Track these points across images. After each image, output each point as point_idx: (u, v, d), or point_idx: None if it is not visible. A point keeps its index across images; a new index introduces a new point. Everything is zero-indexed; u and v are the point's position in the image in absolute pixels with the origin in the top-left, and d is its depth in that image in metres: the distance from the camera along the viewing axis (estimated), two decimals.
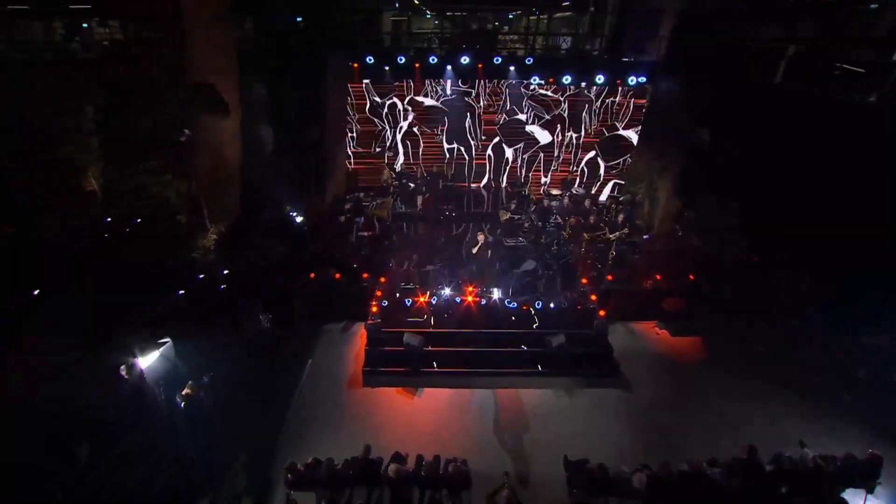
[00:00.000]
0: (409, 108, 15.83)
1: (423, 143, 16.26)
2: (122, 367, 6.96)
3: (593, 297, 10.71)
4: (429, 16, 23.80)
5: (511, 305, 10.56)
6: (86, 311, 7.98)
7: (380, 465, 6.59)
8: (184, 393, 6.97)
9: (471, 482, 6.67)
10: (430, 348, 9.85)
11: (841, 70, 10.93)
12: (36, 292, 9.35)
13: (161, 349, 6.85)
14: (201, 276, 11.19)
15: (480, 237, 10.78)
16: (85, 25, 15.02)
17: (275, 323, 9.76)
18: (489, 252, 10.60)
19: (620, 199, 15.00)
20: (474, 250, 10.73)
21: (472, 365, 9.66)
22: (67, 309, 8.20)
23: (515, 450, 7.94)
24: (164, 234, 10.94)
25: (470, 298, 10.20)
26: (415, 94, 15.72)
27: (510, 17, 25.82)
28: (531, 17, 23.84)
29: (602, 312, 10.20)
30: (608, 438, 8.22)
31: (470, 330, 10.11)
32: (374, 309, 10.30)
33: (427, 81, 15.55)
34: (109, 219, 11.84)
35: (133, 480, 6.26)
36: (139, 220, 11.82)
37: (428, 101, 15.82)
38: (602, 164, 16.13)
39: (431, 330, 10.15)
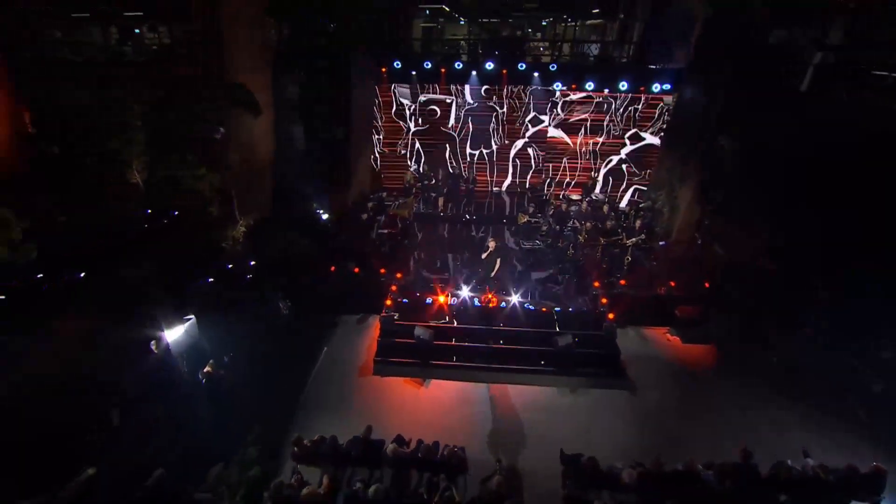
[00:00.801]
0: (435, 111, 16.24)
1: (447, 146, 16.64)
2: (153, 342, 7.61)
3: (604, 300, 10.82)
4: (463, 22, 24.33)
5: (530, 308, 10.77)
6: (123, 291, 8.70)
7: (380, 446, 6.95)
8: (205, 370, 7.54)
9: (467, 467, 6.96)
10: (451, 342, 10.25)
11: (873, 76, 10.73)
12: (82, 274, 10.28)
13: (185, 325, 7.46)
14: (230, 265, 11.89)
15: (491, 243, 11.07)
16: (137, 31, 16.20)
17: (294, 310, 10.29)
18: (499, 259, 10.86)
19: (641, 205, 14.97)
20: (484, 256, 11.01)
21: (478, 360, 9.91)
22: (108, 289, 8.96)
23: (515, 442, 8.15)
24: (196, 225, 11.69)
25: (490, 301, 10.44)
26: (440, 98, 16.12)
27: (543, 24, 26.10)
28: (563, 25, 24.08)
29: (611, 315, 10.30)
30: (609, 437, 8.32)
31: (485, 327, 10.38)
32: (389, 302, 10.74)
33: (452, 87, 15.92)
34: (149, 210, 12.77)
35: (154, 446, 6.84)
36: (176, 213, 12.72)
37: (452, 105, 16.20)
38: (624, 171, 16.13)
39: (444, 325, 10.47)
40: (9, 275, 9.55)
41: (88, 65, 13.66)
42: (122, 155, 12.00)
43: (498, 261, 10.78)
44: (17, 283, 9.10)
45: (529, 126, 16.20)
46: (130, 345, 7.48)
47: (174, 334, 7.33)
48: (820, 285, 10.89)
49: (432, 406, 8.94)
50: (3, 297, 9.45)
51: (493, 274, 10.86)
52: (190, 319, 7.64)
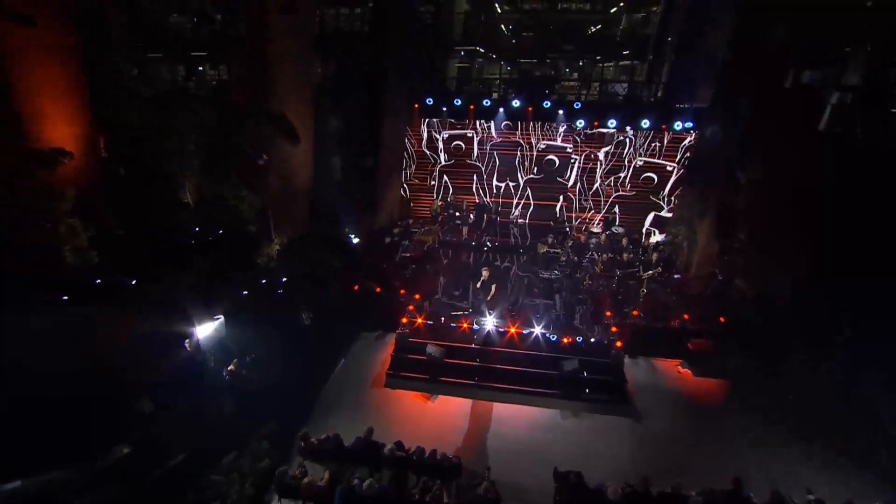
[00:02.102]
0: (461, 146, 17.13)
1: (474, 177, 17.42)
2: (186, 340, 8.48)
3: (614, 329, 11.00)
4: (502, 63, 25.57)
5: (553, 339, 10.97)
6: (166, 294, 9.71)
7: (380, 448, 7.41)
8: (229, 368, 8.32)
9: (461, 474, 7.31)
10: (460, 360, 10.64)
11: (891, 114, 10.79)
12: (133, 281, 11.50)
13: (215, 323, 8.30)
14: (263, 280, 12.87)
15: (485, 272, 11.64)
16: (200, 68, 18.15)
17: (316, 322, 11.04)
18: (493, 286, 11.37)
19: (661, 240, 15.10)
20: (478, 284, 11.54)
21: (485, 379, 10.25)
22: (154, 292, 10.02)
23: (512, 457, 8.41)
24: (236, 241, 12.80)
25: (513, 329, 10.90)
26: (468, 133, 17.02)
27: (581, 63, 27.00)
28: (595, 66, 24.90)
29: (619, 343, 10.48)
30: (607, 461, 8.45)
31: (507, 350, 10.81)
32: (405, 320, 11.33)
33: (479, 122, 16.78)
34: (197, 228, 14.08)
35: (179, 433, 7.57)
36: (220, 231, 13.96)
37: (474, 140, 17.05)
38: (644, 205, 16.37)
39: (451, 343, 10.91)
40: (74, 276, 10.87)
41: (157, 97, 15.44)
42: (177, 176, 13.43)
43: (493, 287, 11.26)
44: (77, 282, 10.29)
45: (555, 160, 16.77)
46: (166, 340, 8.36)
47: (204, 331, 8.19)
48: (845, 323, 10.73)
49: (436, 419, 9.35)
50: (66, 296, 10.76)
51: (489, 298, 11.36)
52: (219, 319, 8.51)
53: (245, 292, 11.76)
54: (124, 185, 13.72)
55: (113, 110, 12.78)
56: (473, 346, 10.85)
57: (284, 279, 12.95)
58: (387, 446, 7.42)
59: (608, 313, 11.63)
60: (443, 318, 11.44)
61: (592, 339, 11.05)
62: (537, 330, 10.89)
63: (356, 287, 12.91)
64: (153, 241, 12.98)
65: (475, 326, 11.12)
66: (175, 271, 10.67)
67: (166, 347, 8.31)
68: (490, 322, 11.00)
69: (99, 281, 11.32)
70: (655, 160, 15.99)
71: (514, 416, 9.53)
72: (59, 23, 11.37)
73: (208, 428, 7.70)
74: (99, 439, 6.92)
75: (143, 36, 18.14)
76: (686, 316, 11.77)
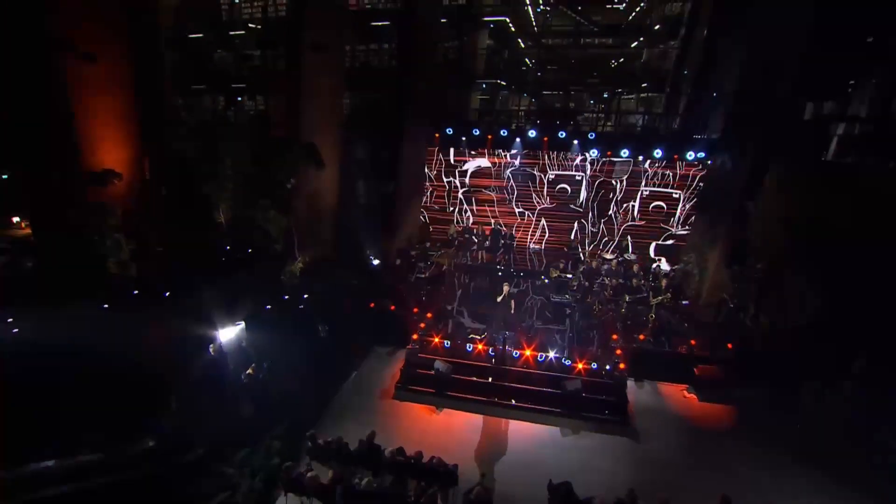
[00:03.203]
0: (479, 173, 17.84)
1: (489, 204, 18.05)
2: (211, 345, 9.25)
3: (618, 352, 11.23)
4: (525, 95, 26.58)
5: (567, 363, 11.17)
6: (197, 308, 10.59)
7: (381, 451, 7.87)
8: (248, 372, 9.01)
9: (457, 481, 7.67)
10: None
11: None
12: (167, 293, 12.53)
13: (237, 329, 9.06)
14: (286, 297, 13.68)
15: (506, 287, 12.02)
16: (239, 99, 19.68)
17: (331, 335, 11.69)
18: (513, 302, 11.76)
19: (673, 267, 15.26)
20: (498, 299, 11.95)
21: (488, 394, 10.62)
22: (188, 303, 10.93)
23: (507, 469, 8.72)
24: (263, 258, 13.73)
25: (528, 352, 11.17)
26: (485, 162, 17.75)
27: (605, 96, 27.76)
28: (615, 98, 25.61)
29: (622, 365, 10.70)
30: (603, 478, 8.58)
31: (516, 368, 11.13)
32: (416, 337, 11.85)
33: (497, 151, 17.50)
34: (228, 247, 15.15)
35: (199, 429, 8.24)
36: (250, 251, 14.99)
37: (496, 168, 17.74)
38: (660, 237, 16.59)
39: (462, 360, 11.33)
40: (114, 286, 11.97)
41: (200, 125, 16.83)
42: (212, 198, 14.56)
43: (513, 302, 11.64)
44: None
45: (567, 189, 17.26)
46: (192, 345, 9.14)
47: (227, 335, 8.95)
48: (857, 356, 10.67)
49: (439, 430, 9.74)
50: (106, 304, 11.81)
51: (507, 316, 11.75)
52: (240, 324, 9.27)
53: (268, 307, 12.59)
54: (165, 206, 14.97)
55: (159, 137, 14.06)
56: (490, 364, 11.14)
57: (305, 296, 13.74)
58: (387, 450, 7.86)
59: (614, 336, 11.86)
60: (459, 340, 11.88)
61: (596, 366, 11.24)
62: (552, 354, 11.16)
63: (372, 304, 13.55)
64: (188, 257, 14.07)
65: (490, 352, 11.44)
66: (205, 286, 11.56)
67: (193, 351, 9.08)
68: (507, 340, 11.29)
69: (136, 292, 12.46)
70: (666, 189, 16.26)
71: (515, 431, 9.83)
72: (118, 59, 12.84)
73: (225, 425, 8.33)
74: (132, 428, 7.66)
75: (190, 70, 19.93)
76: (693, 342, 11.87)
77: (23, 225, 17.11)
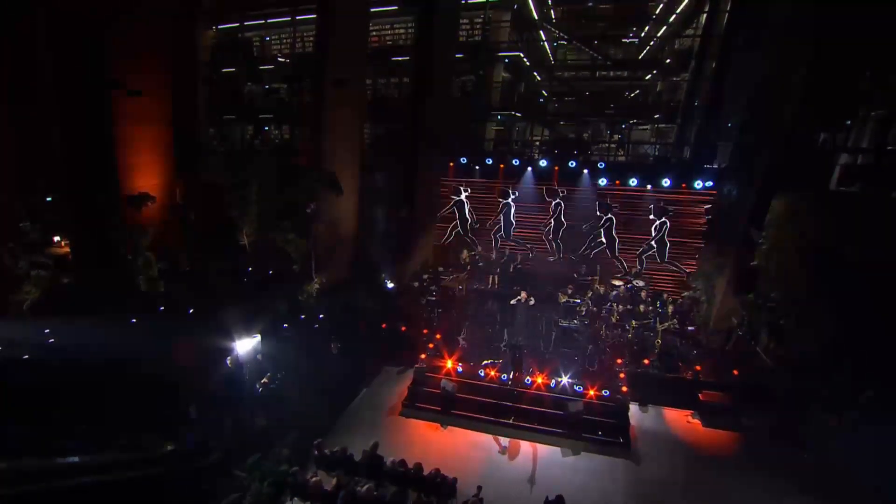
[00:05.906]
0: (492, 201, 18.38)
1: (501, 230, 18.49)
2: (228, 358, 9.85)
3: (622, 375, 11.39)
4: (541, 126, 27.31)
5: (578, 389, 11.28)
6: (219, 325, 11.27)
7: (383, 461, 8.22)
8: (262, 382, 9.54)
9: (455, 493, 7.94)
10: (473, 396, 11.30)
11: None
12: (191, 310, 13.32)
13: (253, 341, 9.65)
14: (303, 316, 14.28)
15: (523, 294, 12.41)
16: (266, 128, 20.92)
17: (343, 353, 12.17)
18: (525, 310, 12.11)
19: (683, 294, 15.36)
20: (513, 301, 12.32)
21: (492, 413, 10.87)
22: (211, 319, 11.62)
23: (505, 485, 8.93)
24: (281, 279, 14.43)
25: (539, 380, 11.34)
26: (499, 189, 18.29)
27: (622, 126, 28.29)
28: (632, 129, 26.11)
29: (625, 389, 10.85)
30: (598, 497, 8.74)
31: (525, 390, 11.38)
32: (424, 356, 12.25)
33: (510, 180, 18.03)
34: (250, 268, 15.97)
35: (216, 436, 8.75)
36: (271, 272, 15.78)
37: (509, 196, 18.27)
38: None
39: (468, 379, 11.65)
40: (143, 302, 12.79)
41: (229, 153, 17.93)
42: (238, 222, 15.43)
43: (525, 310, 12.10)
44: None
45: (580, 216, 17.61)
46: (212, 357, 9.75)
47: (244, 346, 9.52)
48: (867, 390, 10.61)
49: (442, 446, 10.03)
50: (134, 319, 12.61)
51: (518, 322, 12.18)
52: (256, 337, 9.86)
53: (285, 325, 13.19)
54: (193, 228, 15.93)
55: (193, 165, 15.10)
56: (504, 387, 11.44)
57: (321, 316, 14.32)
58: (389, 460, 8.21)
59: (619, 360, 12.03)
60: (472, 364, 12.21)
61: (608, 393, 11.33)
62: (564, 380, 11.34)
63: (384, 325, 14.04)
64: (213, 277, 14.89)
65: (503, 377, 11.71)
66: (228, 305, 12.24)
67: (212, 363, 9.68)
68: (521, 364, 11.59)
69: (163, 308, 13.29)
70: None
71: (515, 450, 10.04)
72: (158, 92, 14.04)
73: (239, 432, 8.82)
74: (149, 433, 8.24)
75: (222, 102, 21.28)
76: (699, 367, 11.94)
77: (62, 244, 18.28)
